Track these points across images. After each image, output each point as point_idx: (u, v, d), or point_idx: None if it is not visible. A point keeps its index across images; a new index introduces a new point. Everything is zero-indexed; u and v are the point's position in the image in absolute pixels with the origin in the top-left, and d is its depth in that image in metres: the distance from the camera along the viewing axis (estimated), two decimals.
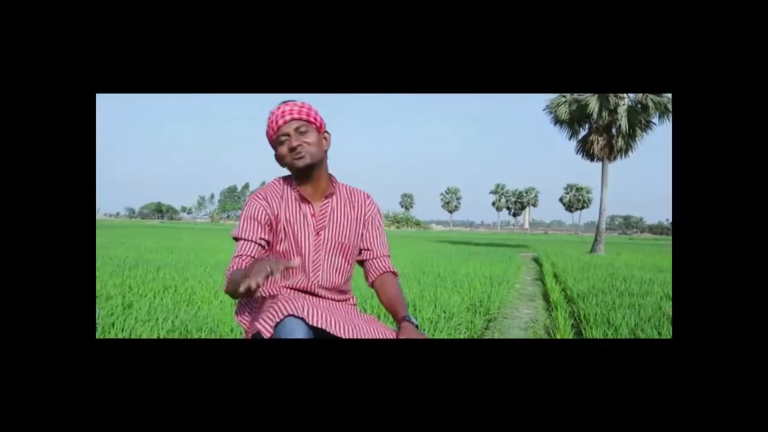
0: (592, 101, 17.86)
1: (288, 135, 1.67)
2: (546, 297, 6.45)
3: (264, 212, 1.69)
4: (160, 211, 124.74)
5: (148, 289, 5.36)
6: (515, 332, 4.41)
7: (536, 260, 13.53)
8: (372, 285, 1.81)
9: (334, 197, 1.77)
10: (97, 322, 3.63)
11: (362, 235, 1.80)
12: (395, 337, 1.57)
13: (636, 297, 5.82)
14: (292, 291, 1.71)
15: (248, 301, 1.74)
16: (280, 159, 1.71)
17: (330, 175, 1.78)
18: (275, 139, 1.69)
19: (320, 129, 1.72)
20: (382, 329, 1.58)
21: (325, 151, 1.73)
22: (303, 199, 1.72)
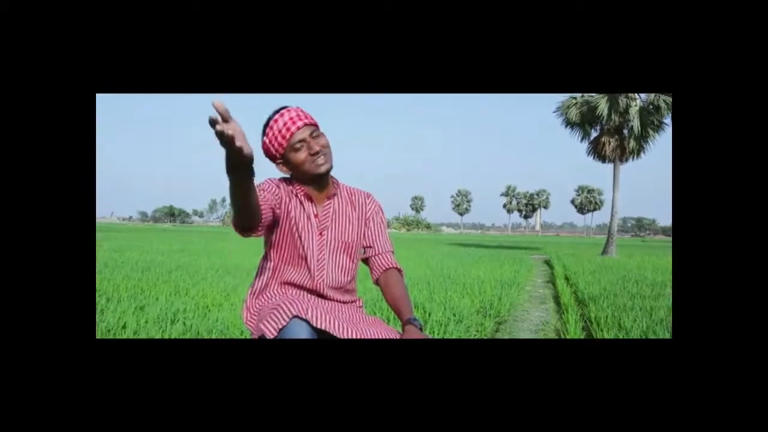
0: (602, 103, 17.75)
1: (304, 141, 1.65)
2: (557, 299, 6.42)
3: (276, 189, 1.67)
4: (172, 214, 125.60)
5: (160, 292, 5.40)
6: (525, 335, 4.39)
7: (547, 262, 13.46)
8: (377, 282, 1.81)
9: (336, 198, 1.77)
10: (108, 323, 3.66)
11: (364, 233, 1.81)
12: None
13: (648, 299, 5.77)
14: (298, 291, 1.72)
15: (255, 303, 1.75)
16: (296, 166, 1.68)
17: (332, 176, 1.78)
18: (288, 146, 1.66)
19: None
20: (385, 331, 1.58)
21: None
22: (308, 200, 1.72)
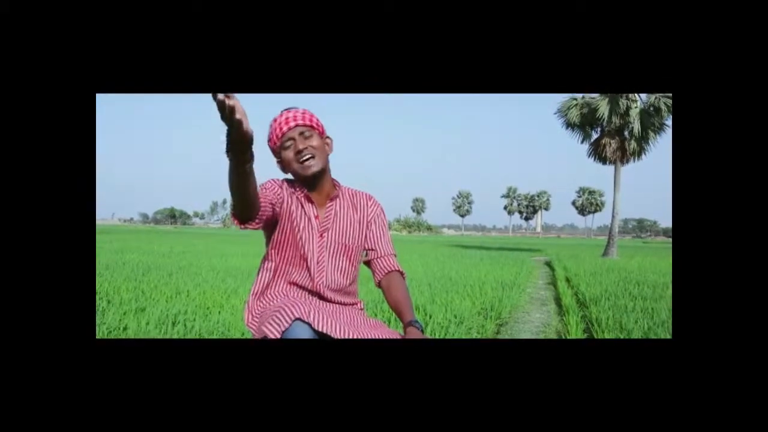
0: (603, 104, 17.75)
1: (293, 139, 1.69)
2: (558, 301, 6.41)
3: (278, 188, 1.69)
4: (173, 216, 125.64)
5: (161, 294, 5.40)
6: (526, 337, 4.38)
7: (548, 264, 13.45)
8: (379, 285, 1.81)
9: (338, 200, 1.78)
10: (109, 325, 3.67)
11: (366, 235, 1.81)
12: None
13: (649, 301, 5.77)
14: (299, 292, 1.72)
15: (257, 304, 1.75)
16: (286, 164, 1.72)
17: (333, 179, 1.79)
18: (280, 144, 1.71)
19: (322, 134, 1.74)
20: (387, 334, 1.59)
21: (328, 156, 1.75)
22: (308, 202, 1.73)
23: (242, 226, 1.56)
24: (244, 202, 1.47)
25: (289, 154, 1.70)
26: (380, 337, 1.54)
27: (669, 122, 17.93)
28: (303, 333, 1.43)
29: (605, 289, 6.74)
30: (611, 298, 5.91)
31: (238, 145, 1.25)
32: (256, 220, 1.56)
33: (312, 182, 1.72)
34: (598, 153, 18.59)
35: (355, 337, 1.49)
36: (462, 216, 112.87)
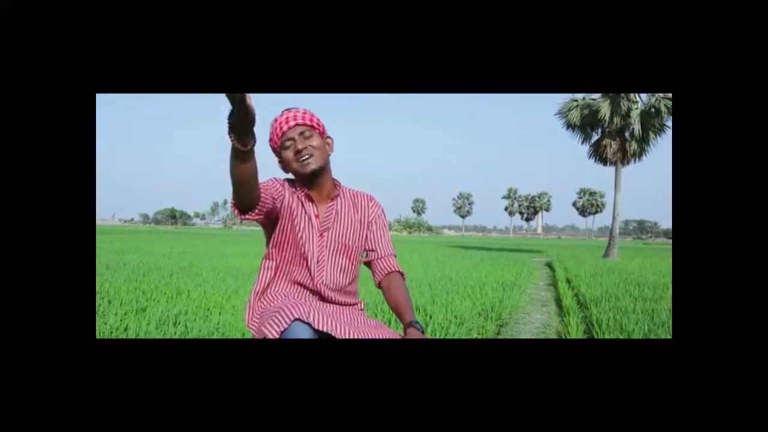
0: (604, 106, 17.74)
1: (293, 139, 1.70)
2: (558, 302, 6.41)
3: (279, 186, 1.69)
4: (173, 216, 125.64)
5: (161, 294, 5.40)
6: (527, 337, 4.38)
7: (549, 265, 13.44)
8: (379, 286, 1.81)
9: (338, 200, 1.78)
10: (111, 326, 3.67)
11: (366, 236, 1.81)
12: None
13: (649, 302, 5.77)
14: (299, 291, 1.72)
15: (258, 304, 1.75)
16: (286, 164, 1.73)
17: (334, 179, 1.80)
18: (280, 144, 1.72)
19: (323, 134, 1.75)
20: (387, 334, 1.59)
21: (328, 156, 1.76)
22: (309, 201, 1.74)
23: (242, 216, 1.56)
24: (245, 188, 1.47)
25: (289, 153, 1.71)
26: (381, 337, 1.55)
27: (669, 123, 17.92)
28: (302, 333, 1.43)
29: (606, 290, 6.74)
30: (612, 299, 5.91)
31: (241, 119, 1.29)
32: (257, 210, 1.56)
33: (312, 181, 1.72)
34: (598, 154, 18.59)
35: (355, 337, 1.49)
36: (462, 217, 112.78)
